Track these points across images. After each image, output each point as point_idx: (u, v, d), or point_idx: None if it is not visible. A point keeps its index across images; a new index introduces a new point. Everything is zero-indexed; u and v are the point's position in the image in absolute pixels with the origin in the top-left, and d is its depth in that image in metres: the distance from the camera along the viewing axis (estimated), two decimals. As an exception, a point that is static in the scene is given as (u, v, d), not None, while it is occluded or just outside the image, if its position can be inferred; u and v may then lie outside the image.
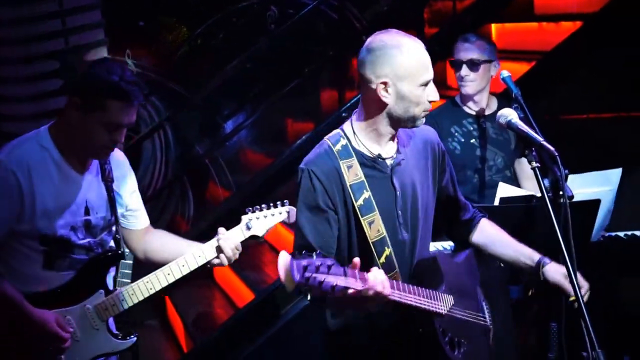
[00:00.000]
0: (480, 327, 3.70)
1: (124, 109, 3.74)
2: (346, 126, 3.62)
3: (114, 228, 4.07)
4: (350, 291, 2.96)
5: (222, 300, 7.26)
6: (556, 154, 3.28)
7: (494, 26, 8.22)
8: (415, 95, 3.47)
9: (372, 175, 3.55)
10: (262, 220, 4.09)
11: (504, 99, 5.32)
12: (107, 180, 3.98)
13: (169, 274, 3.97)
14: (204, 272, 7.44)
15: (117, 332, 4.04)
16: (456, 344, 3.53)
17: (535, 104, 5.95)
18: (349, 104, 7.85)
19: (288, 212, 4.13)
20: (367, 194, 3.51)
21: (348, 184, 3.50)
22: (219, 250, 3.98)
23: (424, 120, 3.56)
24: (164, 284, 3.99)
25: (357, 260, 3.05)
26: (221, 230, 4.04)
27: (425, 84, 3.49)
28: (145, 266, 4.15)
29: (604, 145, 6.39)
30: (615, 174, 5.24)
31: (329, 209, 3.51)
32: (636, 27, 6.50)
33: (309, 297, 3.00)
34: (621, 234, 5.65)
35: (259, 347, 6.24)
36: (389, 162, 3.60)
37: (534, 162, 3.34)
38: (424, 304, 3.38)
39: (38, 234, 3.83)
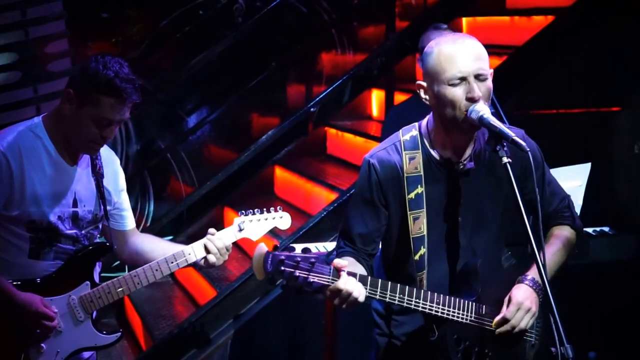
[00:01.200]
0: (514, 341, 3.57)
1: (116, 107, 3.79)
2: (424, 121, 3.63)
3: (100, 225, 4.12)
4: (329, 288, 3.20)
5: (182, 298, 7.24)
6: (528, 149, 3.23)
7: (465, 20, 8.25)
8: (444, 95, 3.39)
9: (436, 177, 3.56)
10: (255, 224, 4.18)
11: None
12: (98, 175, 4.03)
13: (157, 270, 4.04)
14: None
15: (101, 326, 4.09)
16: (475, 353, 3.50)
17: (505, 99, 5.99)
18: (317, 99, 7.91)
19: (282, 217, 4.23)
20: (420, 189, 3.53)
21: (405, 175, 3.54)
22: (208, 249, 4.05)
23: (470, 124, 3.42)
24: (152, 279, 4.06)
25: (338, 262, 3.21)
26: (211, 230, 4.12)
27: (456, 82, 3.37)
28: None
29: (574, 140, 6.42)
30: (584, 169, 5.28)
31: (381, 205, 3.57)
32: (608, 21, 6.54)
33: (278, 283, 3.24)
34: (590, 230, 5.71)
35: (220, 344, 6.22)
36: (457, 167, 3.56)
37: (506, 158, 3.26)
38: (421, 307, 3.40)
39: (27, 220, 3.88)
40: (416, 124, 3.65)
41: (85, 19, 7.78)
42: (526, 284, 3.50)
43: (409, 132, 3.62)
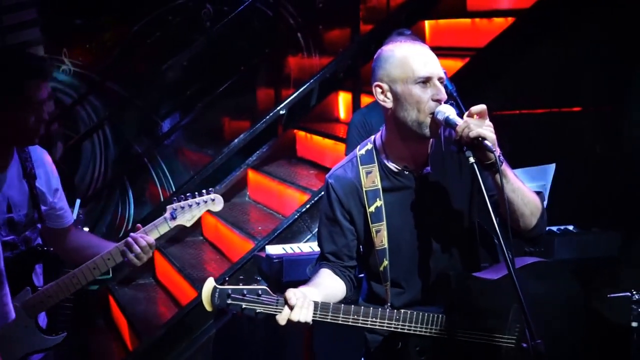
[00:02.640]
0: (487, 347, 3.55)
1: (41, 84, 3.85)
2: (377, 135, 3.71)
3: (39, 225, 4.13)
4: (276, 318, 3.33)
5: (165, 299, 7.35)
6: (494, 149, 3.25)
7: (427, 23, 8.39)
8: (410, 95, 3.46)
9: (394, 187, 3.63)
10: (187, 210, 4.11)
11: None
12: (30, 177, 4.03)
13: (94, 268, 4.05)
14: (146, 272, 7.59)
15: (47, 328, 4.12)
16: None
17: (468, 100, 6.15)
18: (286, 101, 7.98)
19: (214, 200, 4.16)
20: (379, 202, 3.61)
21: (364, 190, 3.64)
22: (129, 246, 4.02)
23: (435, 126, 3.47)
24: (90, 278, 4.07)
25: (287, 292, 3.33)
26: (138, 225, 4.12)
27: (423, 82, 3.45)
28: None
29: (537, 141, 6.53)
30: (549, 169, 5.46)
31: (346, 220, 3.69)
32: (567, 22, 6.70)
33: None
34: (554, 228, 5.87)
35: (203, 343, 6.33)
36: (416, 174, 3.63)
37: (472, 158, 3.28)
38: (378, 325, 3.48)
39: None
40: (372, 137, 3.73)
41: (59, 25, 7.87)
42: None
43: (365, 147, 3.71)
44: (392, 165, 3.64)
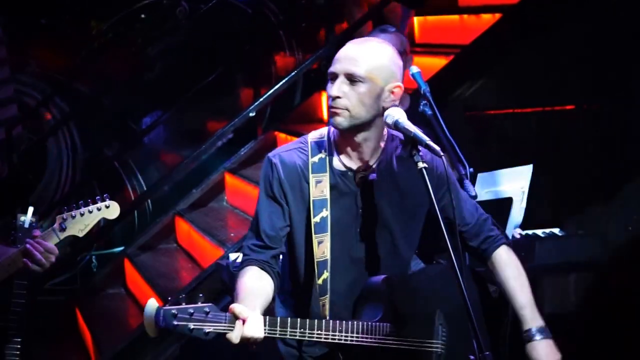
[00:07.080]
0: (420, 354, 3.61)
1: None
2: (332, 131, 3.69)
3: None
4: (228, 335, 3.21)
5: (134, 309, 7.28)
6: (442, 154, 3.29)
7: (416, 19, 8.36)
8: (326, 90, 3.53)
9: (338, 188, 3.63)
10: (79, 219, 4.02)
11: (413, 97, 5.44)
12: None
13: None
14: (116, 281, 7.53)
15: None
16: None
17: (454, 99, 6.12)
18: (257, 102, 7.93)
19: (108, 207, 4.09)
20: (325, 212, 3.60)
21: (312, 198, 3.60)
22: (29, 254, 3.94)
23: (338, 119, 3.50)
24: None
25: (234, 307, 3.22)
26: (36, 232, 4.01)
27: (331, 79, 3.51)
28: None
29: (519, 141, 6.51)
30: (526, 170, 5.43)
31: (283, 201, 3.62)
32: (555, 17, 6.67)
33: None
34: (539, 232, 5.84)
35: (169, 356, 6.33)
36: (359, 176, 3.64)
37: (421, 163, 3.34)
38: (323, 337, 3.44)
39: None
40: (326, 139, 3.69)
41: (23, 25, 7.85)
42: (537, 340, 3.67)
43: (318, 155, 3.67)
44: (340, 164, 3.65)
